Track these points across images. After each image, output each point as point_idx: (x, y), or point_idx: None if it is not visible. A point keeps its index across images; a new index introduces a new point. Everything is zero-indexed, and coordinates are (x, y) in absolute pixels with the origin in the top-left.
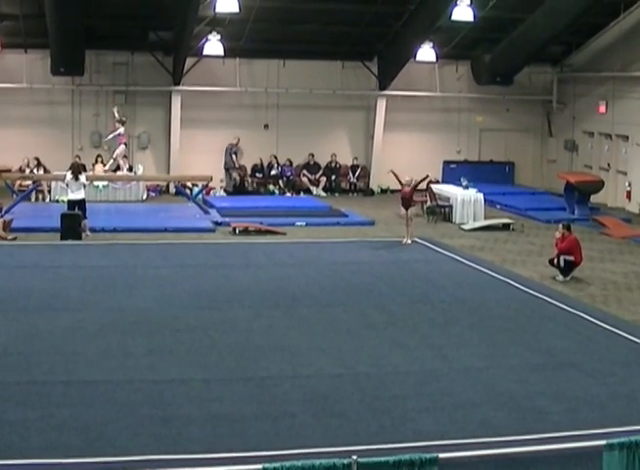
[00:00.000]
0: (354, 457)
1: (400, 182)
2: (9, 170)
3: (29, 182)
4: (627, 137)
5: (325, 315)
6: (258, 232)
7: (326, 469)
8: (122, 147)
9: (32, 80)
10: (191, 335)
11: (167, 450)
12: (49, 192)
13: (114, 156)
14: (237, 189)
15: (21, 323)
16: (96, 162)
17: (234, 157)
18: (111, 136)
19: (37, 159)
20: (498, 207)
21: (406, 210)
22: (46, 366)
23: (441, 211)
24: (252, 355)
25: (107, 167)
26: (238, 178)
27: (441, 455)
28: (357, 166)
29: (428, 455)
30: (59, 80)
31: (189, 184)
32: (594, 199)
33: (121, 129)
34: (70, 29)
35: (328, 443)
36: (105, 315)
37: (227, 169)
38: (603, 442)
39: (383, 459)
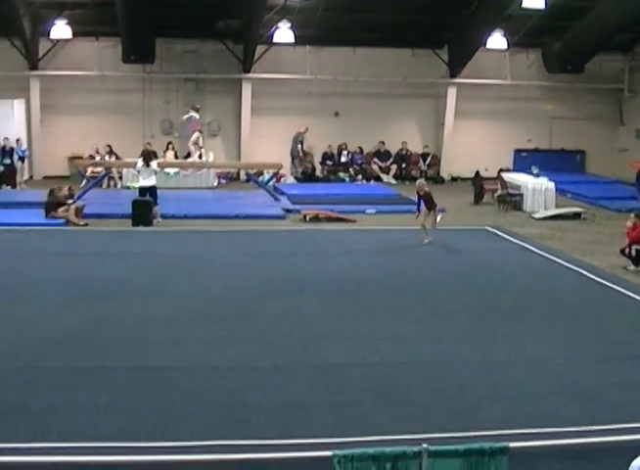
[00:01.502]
0: (424, 445)
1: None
2: (80, 157)
3: (101, 169)
4: None
5: (393, 304)
6: (329, 220)
7: (396, 457)
8: (197, 134)
9: (103, 68)
10: (259, 322)
11: (235, 437)
12: (120, 178)
13: (190, 143)
14: (307, 176)
15: (91, 309)
16: (167, 149)
17: (299, 146)
18: (185, 117)
19: (109, 146)
20: (569, 195)
21: (430, 210)
22: (115, 352)
23: (512, 200)
24: (321, 343)
25: (195, 157)
26: (301, 168)
27: (512, 445)
28: (427, 154)
29: (498, 444)
30: (129, 68)
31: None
32: None
33: (196, 115)
34: (140, 18)
35: (397, 430)
36: (174, 302)
37: (293, 158)
38: None
39: (452, 448)
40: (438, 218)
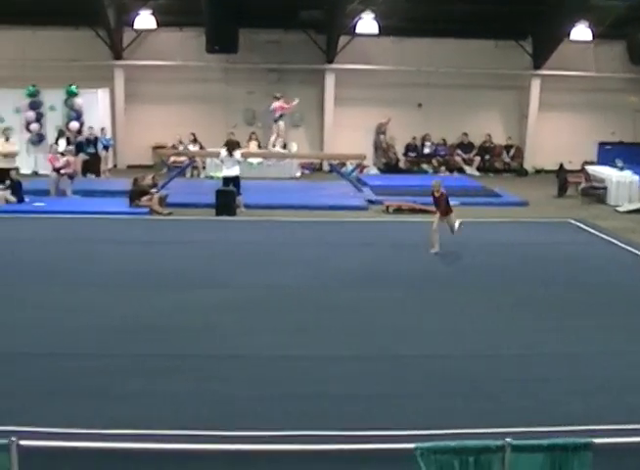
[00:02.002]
0: (507, 439)
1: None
2: (164, 147)
3: (184, 158)
4: None
5: (475, 295)
6: (411, 211)
7: (479, 450)
8: (282, 123)
9: (187, 58)
10: (339, 313)
11: (317, 427)
12: (203, 168)
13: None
14: (390, 167)
15: (173, 297)
16: (250, 139)
17: (382, 137)
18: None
19: (194, 134)
20: None
21: (445, 215)
22: (195, 341)
23: (596, 193)
24: (401, 334)
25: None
26: (384, 159)
27: (596, 440)
28: (511, 146)
29: (582, 440)
30: (213, 58)
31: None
32: None
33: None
34: (224, 8)
35: (478, 424)
36: (256, 291)
37: (376, 149)
38: None
39: (536, 442)
40: (456, 225)
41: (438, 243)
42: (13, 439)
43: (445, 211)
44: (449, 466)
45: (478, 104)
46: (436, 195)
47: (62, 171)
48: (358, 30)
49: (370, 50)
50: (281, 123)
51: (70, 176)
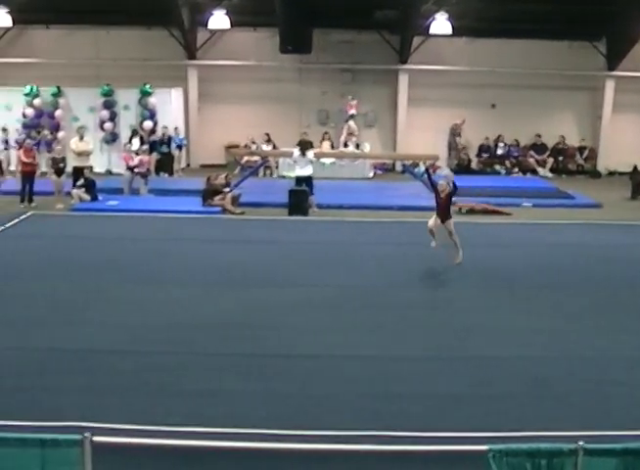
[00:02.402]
0: (580, 443)
1: (433, 185)
2: (237, 146)
3: (257, 158)
4: None
5: (548, 297)
6: (484, 212)
7: (551, 453)
8: (352, 123)
9: (261, 58)
10: (413, 312)
11: (388, 427)
12: (276, 168)
13: (353, 132)
14: (463, 168)
15: (247, 296)
16: (323, 139)
17: (457, 138)
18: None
19: (268, 134)
20: None
21: (443, 221)
22: (269, 339)
23: None
24: (474, 334)
25: (350, 147)
26: (456, 160)
27: None
28: (584, 148)
29: None
30: (286, 58)
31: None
32: None
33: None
34: (298, 8)
35: (551, 426)
36: (328, 291)
37: (450, 149)
38: None
39: (609, 446)
40: (457, 241)
41: (436, 238)
42: (87, 434)
43: (444, 215)
44: (521, 469)
45: (551, 105)
46: (442, 195)
47: (135, 170)
48: (432, 31)
49: (443, 50)
50: (351, 123)
51: (144, 175)
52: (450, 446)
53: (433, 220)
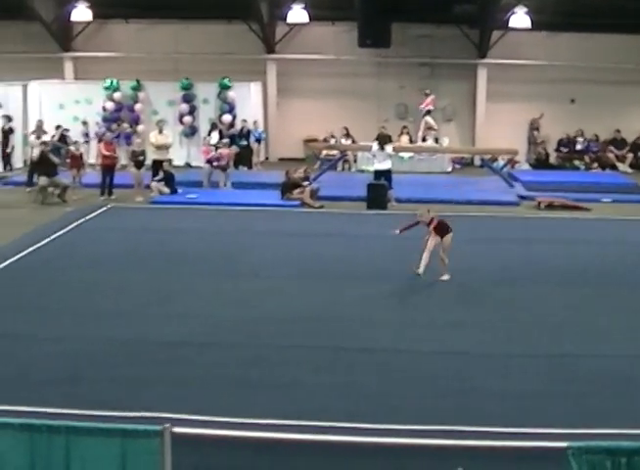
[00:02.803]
0: None
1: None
2: (315, 140)
3: (335, 152)
4: None
5: (631, 294)
6: (563, 207)
7: (632, 452)
8: (430, 118)
9: (339, 52)
10: (491, 308)
11: (466, 423)
12: (355, 162)
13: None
14: (541, 163)
15: (324, 290)
16: (401, 133)
17: (535, 132)
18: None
19: (346, 128)
20: None
21: (443, 237)
22: (349, 333)
23: None
24: (555, 332)
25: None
26: (534, 155)
27: None
28: None
29: None
30: (365, 52)
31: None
32: None
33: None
34: (377, 2)
35: (634, 425)
36: (409, 285)
37: (529, 144)
38: None
39: None
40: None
41: (425, 265)
42: (166, 425)
43: (443, 231)
44: (601, 466)
45: (631, 100)
46: (427, 221)
47: (215, 164)
48: (511, 25)
49: (522, 45)
50: (428, 118)
51: (224, 169)
52: (530, 442)
53: (432, 241)
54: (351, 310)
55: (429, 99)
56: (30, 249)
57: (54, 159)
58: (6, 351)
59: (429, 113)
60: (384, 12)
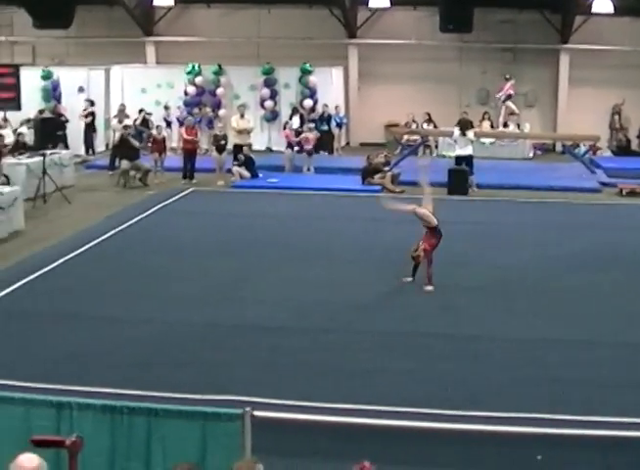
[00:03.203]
0: None
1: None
2: (396, 125)
3: (416, 137)
4: None
5: None
6: None
7: None
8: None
9: (421, 37)
10: (571, 296)
11: (546, 410)
12: (436, 147)
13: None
14: (622, 149)
15: (401, 275)
16: (482, 118)
17: (615, 117)
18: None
19: (428, 114)
20: None
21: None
22: (430, 319)
23: None
24: (631, 320)
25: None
26: (615, 141)
27: None
28: None
29: None
30: (446, 37)
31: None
32: None
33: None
34: None
35: None
36: (487, 271)
37: (611, 130)
38: None
39: None
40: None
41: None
42: (247, 409)
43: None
44: None
45: None
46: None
47: (298, 148)
48: (594, 10)
49: (605, 30)
50: (509, 103)
51: (309, 153)
52: (609, 431)
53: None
54: (432, 297)
55: (508, 84)
56: (112, 232)
57: (134, 142)
58: (91, 333)
59: (509, 97)
60: None
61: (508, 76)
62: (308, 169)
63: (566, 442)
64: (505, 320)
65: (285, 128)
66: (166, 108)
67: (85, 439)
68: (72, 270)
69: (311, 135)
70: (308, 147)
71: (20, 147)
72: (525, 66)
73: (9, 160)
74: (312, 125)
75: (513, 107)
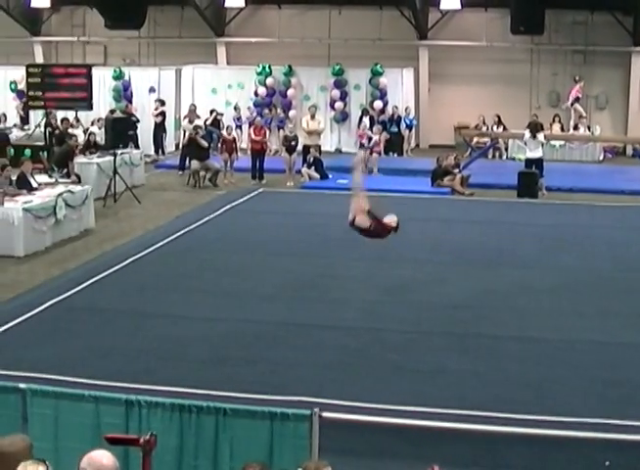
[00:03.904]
0: None
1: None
2: (466, 127)
3: (486, 139)
4: None
5: None
6: None
7: None
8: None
9: (491, 39)
10: None
11: (614, 415)
12: (506, 149)
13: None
14: None
15: (474, 277)
16: (553, 121)
17: None
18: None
19: (498, 116)
20: None
21: None
22: (499, 321)
23: None
24: None
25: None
26: None
27: None
28: None
29: None
30: (518, 39)
31: None
32: None
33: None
34: None
35: None
36: (557, 274)
37: None
38: None
39: None
40: None
41: None
42: (316, 410)
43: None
44: None
45: None
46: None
47: (368, 148)
48: None
49: None
50: (577, 106)
51: (379, 154)
52: None
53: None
54: (500, 298)
55: (577, 86)
56: (182, 231)
57: (202, 142)
58: (160, 331)
59: (577, 100)
60: None
61: (577, 78)
62: (375, 171)
63: (636, 448)
64: (575, 323)
65: (359, 128)
66: (236, 108)
67: None
68: (142, 268)
69: (382, 137)
70: (377, 149)
71: (91, 146)
72: (597, 68)
73: (80, 159)
74: (380, 127)
75: (580, 109)
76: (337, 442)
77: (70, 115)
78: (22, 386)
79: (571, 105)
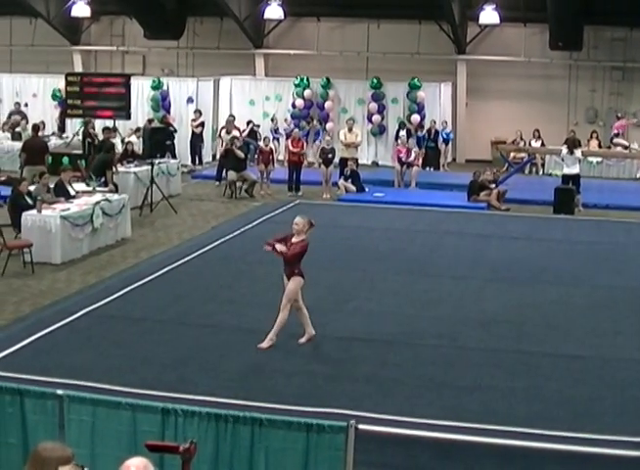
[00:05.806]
0: None
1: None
2: (504, 142)
3: (523, 154)
4: None
5: None
6: None
7: None
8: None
9: (530, 54)
10: None
11: None
12: (542, 165)
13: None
14: None
15: (512, 292)
16: (590, 137)
17: None
18: None
19: (538, 130)
20: None
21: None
22: (535, 338)
23: None
24: None
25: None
26: None
27: None
28: None
29: None
30: (556, 55)
31: None
32: None
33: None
34: (570, 4)
35: None
36: (594, 292)
37: None
38: None
39: None
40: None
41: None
42: (352, 422)
43: (291, 271)
44: None
45: None
46: (293, 240)
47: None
48: None
49: None
50: (618, 140)
51: (419, 167)
52: None
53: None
54: (537, 315)
55: (620, 122)
56: (219, 241)
57: (239, 153)
58: (196, 340)
59: (617, 136)
60: (576, 14)
61: (619, 115)
62: (408, 185)
63: None
64: (613, 341)
65: (397, 142)
66: (273, 120)
67: None
68: (178, 278)
69: (419, 151)
70: (416, 163)
71: (128, 156)
72: (635, 84)
73: (118, 168)
74: (415, 141)
75: (622, 142)
76: (372, 455)
77: (109, 124)
78: (59, 392)
79: (611, 140)
